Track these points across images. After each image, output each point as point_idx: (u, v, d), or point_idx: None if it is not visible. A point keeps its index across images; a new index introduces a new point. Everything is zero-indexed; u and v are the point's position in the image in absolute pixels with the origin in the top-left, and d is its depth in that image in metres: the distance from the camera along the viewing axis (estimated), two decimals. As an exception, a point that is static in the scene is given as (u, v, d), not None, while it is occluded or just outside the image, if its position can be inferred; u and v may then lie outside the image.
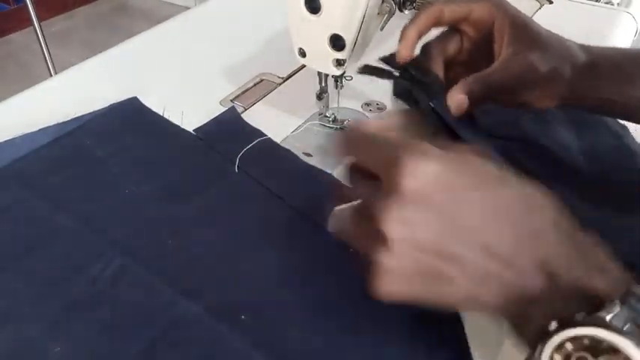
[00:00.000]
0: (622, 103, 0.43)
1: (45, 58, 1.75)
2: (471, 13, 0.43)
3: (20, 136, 0.54)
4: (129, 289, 0.40)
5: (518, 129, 0.55)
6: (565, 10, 0.86)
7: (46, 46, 1.73)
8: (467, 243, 0.27)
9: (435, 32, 0.44)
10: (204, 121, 0.57)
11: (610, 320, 0.24)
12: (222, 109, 0.60)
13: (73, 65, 0.69)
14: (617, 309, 0.25)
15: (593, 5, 0.87)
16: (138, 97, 0.61)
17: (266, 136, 0.55)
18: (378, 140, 0.31)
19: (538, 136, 0.54)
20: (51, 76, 1.72)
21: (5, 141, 0.53)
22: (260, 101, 0.62)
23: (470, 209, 0.27)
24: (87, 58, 0.70)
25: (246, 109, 0.61)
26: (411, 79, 0.41)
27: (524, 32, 0.41)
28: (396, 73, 0.42)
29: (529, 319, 0.28)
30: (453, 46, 0.44)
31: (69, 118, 0.57)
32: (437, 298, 0.29)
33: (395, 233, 0.28)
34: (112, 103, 0.59)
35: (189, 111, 0.59)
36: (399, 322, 0.38)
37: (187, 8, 0.96)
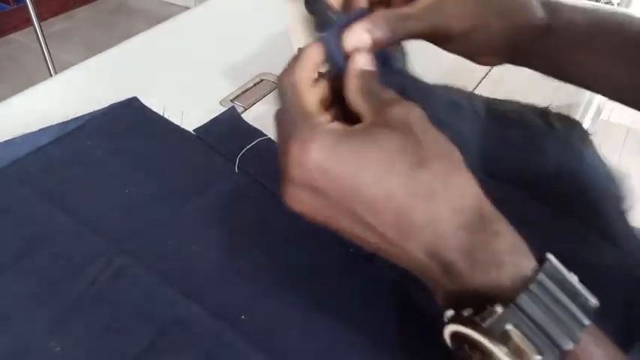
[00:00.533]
0: (578, 74, 0.40)
1: (45, 58, 1.75)
2: None
3: (20, 136, 0.54)
4: (129, 289, 0.40)
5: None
6: (565, 10, 0.86)
7: (46, 46, 1.73)
8: (354, 223, 0.28)
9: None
10: (204, 121, 0.57)
11: (489, 324, 0.23)
12: (222, 109, 0.60)
13: (73, 65, 0.69)
14: (499, 310, 0.24)
15: (593, 5, 0.87)
16: (138, 97, 0.61)
17: (266, 136, 0.55)
18: (288, 100, 0.31)
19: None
20: (51, 76, 1.72)
21: (5, 141, 0.53)
22: (260, 101, 0.62)
23: (353, 198, 0.27)
24: (87, 58, 0.70)
25: (246, 109, 0.61)
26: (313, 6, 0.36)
27: None
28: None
29: (433, 294, 0.28)
30: None
31: (69, 118, 0.57)
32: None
33: (291, 205, 0.29)
34: (112, 103, 0.59)
35: (189, 111, 0.59)
36: (400, 321, 0.38)
37: (187, 8, 0.96)
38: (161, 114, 0.59)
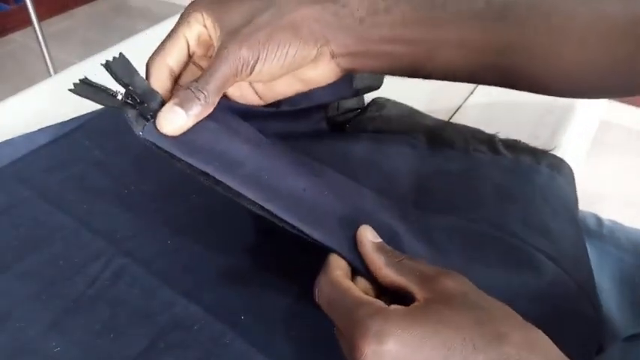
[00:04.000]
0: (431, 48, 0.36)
1: (44, 57, 1.75)
2: (189, 39, 0.38)
3: (20, 136, 0.54)
4: (128, 289, 0.40)
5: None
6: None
7: (46, 45, 1.73)
8: None
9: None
10: (204, 121, 0.57)
11: None
12: (222, 109, 0.60)
13: (72, 65, 0.69)
14: None
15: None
16: (137, 96, 0.60)
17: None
18: (337, 298, 0.31)
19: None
20: (50, 75, 1.72)
21: (5, 141, 0.53)
22: (260, 101, 0.62)
23: None
24: (86, 58, 0.70)
25: (245, 109, 0.61)
26: (133, 100, 0.36)
27: (225, 18, 0.36)
28: (120, 96, 0.37)
29: None
30: (177, 55, 0.39)
31: (68, 118, 0.57)
32: None
33: None
34: (111, 102, 0.59)
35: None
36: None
37: (187, 8, 0.95)
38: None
